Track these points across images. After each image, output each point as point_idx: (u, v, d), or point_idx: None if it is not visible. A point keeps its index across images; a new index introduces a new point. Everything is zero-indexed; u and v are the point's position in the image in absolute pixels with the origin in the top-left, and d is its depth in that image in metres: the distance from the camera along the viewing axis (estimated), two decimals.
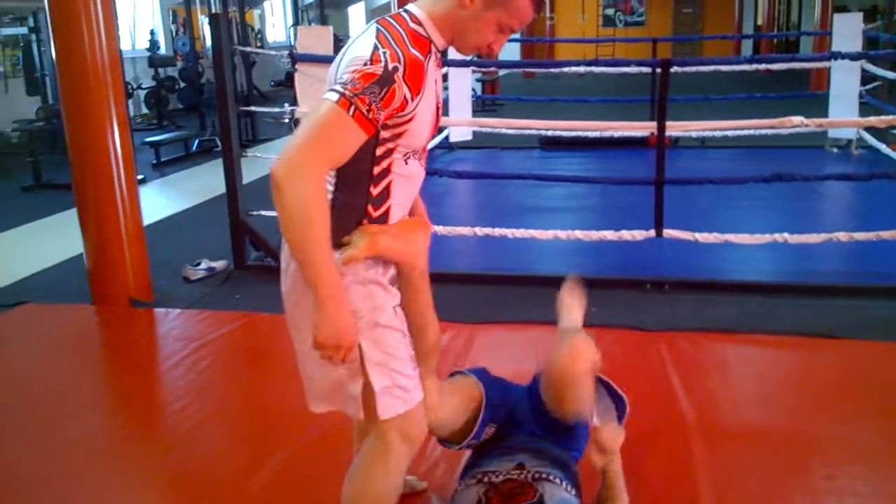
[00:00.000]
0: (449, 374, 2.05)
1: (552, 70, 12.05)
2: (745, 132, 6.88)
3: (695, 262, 4.14)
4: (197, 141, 8.78)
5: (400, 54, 1.45)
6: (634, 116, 6.40)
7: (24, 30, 8.86)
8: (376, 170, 1.55)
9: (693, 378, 2.89)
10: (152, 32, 11.56)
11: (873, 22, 10.17)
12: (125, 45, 11.38)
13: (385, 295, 1.61)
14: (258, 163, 4.94)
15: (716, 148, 7.55)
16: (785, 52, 17.24)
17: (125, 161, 3.85)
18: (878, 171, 5.43)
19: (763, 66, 10.35)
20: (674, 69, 4.90)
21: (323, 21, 14.56)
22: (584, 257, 4.34)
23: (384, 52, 1.44)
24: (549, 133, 7.62)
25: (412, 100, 1.47)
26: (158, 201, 6.40)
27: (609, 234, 4.07)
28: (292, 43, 12.07)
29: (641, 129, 5.95)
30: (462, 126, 8.00)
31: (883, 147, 6.64)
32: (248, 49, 8.53)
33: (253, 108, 7.03)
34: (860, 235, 3.86)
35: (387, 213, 1.59)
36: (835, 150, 7.31)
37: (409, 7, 1.57)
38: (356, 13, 20.99)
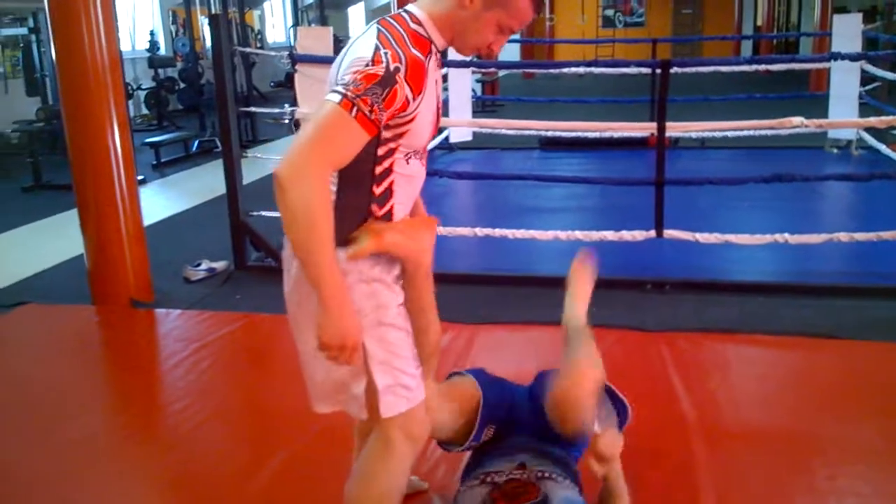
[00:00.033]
0: (447, 375, 2.05)
1: (552, 71, 12.05)
2: (745, 133, 6.86)
3: (695, 262, 4.14)
4: (197, 141, 8.78)
5: (401, 55, 1.45)
6: (634, 117, 6.40)
7: (23, 30, 8.85)
8: (378, 169, 1.55)
9: (694, 378, 2.89)
10: (152, 33, 11.55)
11: (873, 23, 10.15)
12: (125, 46, 11.36)
13: (389, 293, 1.61)
14: (258, 163, 4.94)
15: (716, 148, 7.55)
16: (785, 52, 17.24)
17: (125, 162, 3.85)
18: (878, 171, 5.44)
19: (763, 67, 10.34)
20: (673, 70, 4.90)
21: (323, 22, 14.54)
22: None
23: (386, 53, 1.44)
24: (549, 134, 7.62)
25: (414, 100, 1.47)
26: (159, 202, 6.40)
27: (609, 235, 4.07)
28: (292, 44, 12.09)
29: (641, 129, 5.95)
30: (462, 127, 7.99)
31: (883, 148, 6.64)
32: (247, 50, 8.54)
33: (253, 109, 7.03)
34: (860, 236, 3.86)
35: (390, 211, 1.59)
36: (835, 150, 7.30)
37: (410, 7, 1.57)
38: (356, 14, 20.99)
